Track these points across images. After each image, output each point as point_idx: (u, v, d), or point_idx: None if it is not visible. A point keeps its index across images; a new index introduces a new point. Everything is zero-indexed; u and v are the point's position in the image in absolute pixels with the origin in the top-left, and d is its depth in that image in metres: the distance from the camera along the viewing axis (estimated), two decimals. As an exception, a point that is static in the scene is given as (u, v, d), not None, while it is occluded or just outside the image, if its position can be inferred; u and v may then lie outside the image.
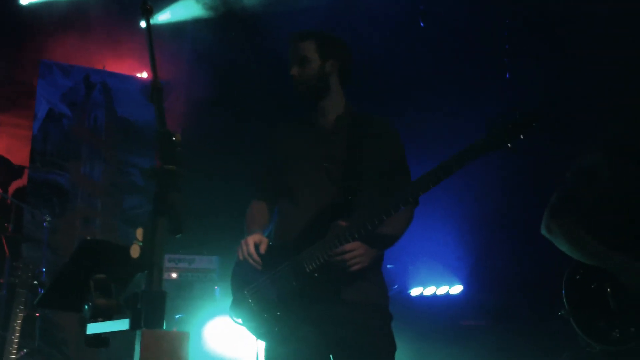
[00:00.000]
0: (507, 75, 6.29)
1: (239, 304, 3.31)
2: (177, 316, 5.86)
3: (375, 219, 3.01)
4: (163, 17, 8.53)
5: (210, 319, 5.89)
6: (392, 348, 3.24)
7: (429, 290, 6.91)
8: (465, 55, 6.63)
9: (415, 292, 6.96)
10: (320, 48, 3.38)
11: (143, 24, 7.98)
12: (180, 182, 1.59)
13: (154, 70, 1.82)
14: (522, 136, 2.83)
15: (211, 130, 7.90)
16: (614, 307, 3.31)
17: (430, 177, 2.94)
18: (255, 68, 7.35)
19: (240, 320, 3.30)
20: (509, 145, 2.84)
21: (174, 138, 1.63)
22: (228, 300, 3.40)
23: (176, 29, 8.50)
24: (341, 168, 3.28)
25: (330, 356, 3.19)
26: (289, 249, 3.22)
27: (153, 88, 1.78)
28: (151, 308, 1.58)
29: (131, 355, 1.58)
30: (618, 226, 3.40)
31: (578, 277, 3.44)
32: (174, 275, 6.33)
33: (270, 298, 3.19)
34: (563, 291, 3.45)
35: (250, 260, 3.24)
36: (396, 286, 6.91)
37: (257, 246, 3.26)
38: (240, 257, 3.28)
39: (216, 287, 6.24)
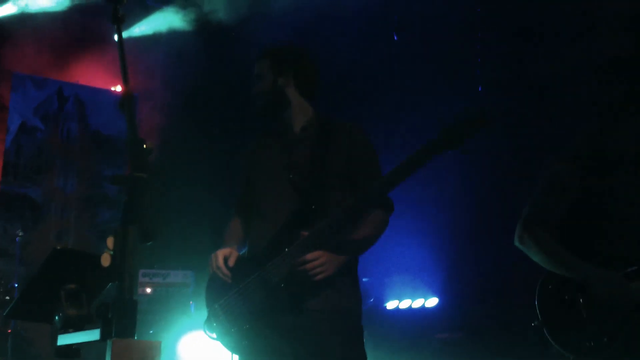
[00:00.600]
0: (480, 89, 6.34)
1: (212, 319, 3.32)
2: (150, 332, 5.80)
3: (334, 226, 3.02)
4: (138, 29, 8.50)
5: (185, 333, 5.84)
6: (360, 357, 3.22)
7: (404, 304, 6.91)
8: (438, 66, 6.67)
9: (391, 305, 6.97)
10: (274, 64, 3.44)
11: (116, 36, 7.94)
12: (150, 189, 1.57)
13: (124, 78, 1.82)
14: (471, 136, 2.86)
15: (187, 143, 7.87)
16: (587, 318, 3.31)
17: (383, 182, 2.98)
18: (232, 80, 7.35)
19: (214, 335, 3.31)
20: (460, 144, 2.87)
21: (145, 145, 1.62)
22: (203, 314, 3.40)
23: (152, 41, 8.48)
24: (306, 177, 3.29)
25: None
26: (257, 261, 3.23)
27: (124, 96, 1.77)
28: (122, 317, 1.56)
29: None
30: (589, 236, 3.42)
31: (550, 287, 3.45)
32: (148, 290, 6.28)
33: (240, 311, 3.20)
34: (536, 302, 3.45)
35: (220, 274, 3.26)
36: (372, 299, 6.91)
37: (226, 259, 3.28)
38: (210, 272, 3.30)
39: (191, 302, 6.19)
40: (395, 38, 6.84)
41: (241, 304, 3.20)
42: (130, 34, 8.48)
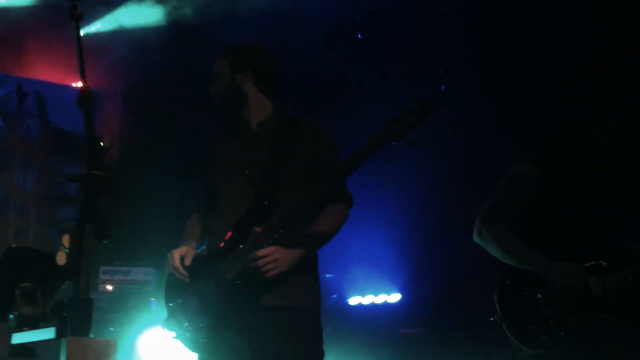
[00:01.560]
0: (442, 88, 6.39)
1: (170, 318, 3.34)
2: (111, 329, 5.76)
3: (287, 221, 3.03)
4: (102, 25, 8.39)
5: (146, 330, 5.80)
6: (316, 353, 3.23)
7: (367, 299, 6.94)
8: (401, 65, 6.70)
9: (353, 301, 6.99)
10: (232, 62, 3.46)
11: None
12: (108, 187, 1.57)
13: (82, 74, 1.81)
14: (417, 127, 2.88)
15: (150, 140, 7.81)
16: (545, 312, 3.37)
17: (332, 175, 3.02)
18: (196, 77, 7.30)
19: (173, 334, 3.31)
20: (406, 136, 2.89)
21: (102, 143, 1.61)
22: (164, 312, 3.40)
23: (115, 37, 8.39)
24: (262, 173, 3.28)
25: None
26: (213, 259, 3.24)
27: (81, 93, 1.76)
28: (78, 316, 1.56)
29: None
30: (547, 234, 3.48)
31: (509, 283, 3.51)
32: (110, 287, 6.21)
33: (197, 309, 3.20)
34: (495, 297, 3.50)
35: (176, 274, 3.27)
36: (335, 295, 6.92)
37: (183, 258, 3.28)
38: (167, 271, 3.32)
39: (152, 299, 6.15)
40: (360, 37, 6.86)
41: (198, 302, 3.20)
42: (93, 30, 8.36)
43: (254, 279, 3.10)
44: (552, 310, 3.37)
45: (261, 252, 3.06)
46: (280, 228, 3.04)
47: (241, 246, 3.12)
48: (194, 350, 3.31)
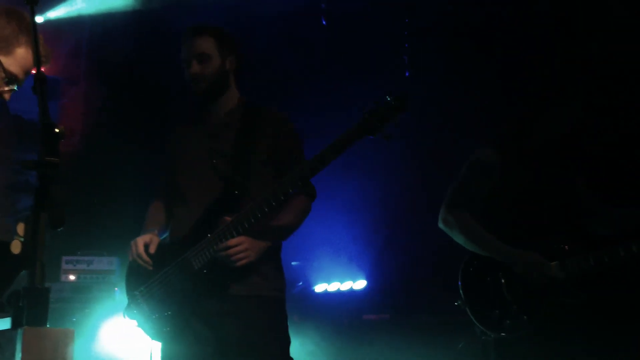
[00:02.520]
0: (407, 74, 6.40)
1: (132, 306, 3.29)
2: (73, 319, 5.71)
3: (257, 211, 3.00)
4: (64, 10, 8.23)
5: (108, 320, 5.76)
6: (282, 342, 3.22)
7: (333, 286, 6.96)
8: (364, 51, 6.70)
9: (319, 288, 7.00)
10: (219, 45, 3.35)
11: (39, 18, 7.70)
12: (61, 174, 1.54)
13: (37, 60, 1.77)
14: (391, 121, 2.88)
15: (113, 128, 7.71)
16: (508, 297, 3.41)
17: (307, 167, 2.99)
18: (160, 64, 7.21)
19: (135, 322, 3.28)
20: (382, 130, 2.89)
21: (57, 130, 1.58)
22: (126, 299, 3.37)
23: (78, 22, 8.24)
24: (228, 162, 3.25)
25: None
26: (179, 248, 3.20)
27: (36, 78, 1.72)
28: (34, 305, 1.53)
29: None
30: (509, 220, 3.51)
31: (472, 268, 3.54)
32: (72, 277, 6.14)
33: (161, 298, 3.18)
34: (459, 282, 3.53)
35: (140, 261, 3.23)
36: (300, 283, 6.93)
37: (147, 246, 3.24)
38: (130, 259, 3.27)
39: (116, 288, 6.09)
40: (324, 23, 6.83)
41: (163, 290, 3.17)
42: (54, 16, 8.20)
43: (222, 268, 3.08)
44: (515, 295, 3.40)
45: (232, 241, 3.04)
46: (251, 218, 3.01)
47: (209, 235, 3.10)
48: (157, 339, 3.28)
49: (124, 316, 3.32)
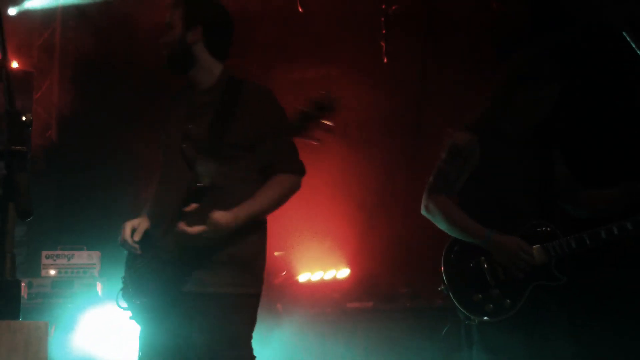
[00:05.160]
0: (385, 60, 6.37)
1: (123, 289, 3.27)
2: (53, 314, 5.69)
3: (217, 201, 2.97)
4: (38, 1, 8.12)
5: (89, 315, 5.73)
6: (227, 339, 3.12)
7: (316, 276, 6.95)
8: (342, 37, 6.67)
9: (303, 277, 6.99)
10: (186, 15, 3.23)
11: (11, 10, 7.62)
12: (27, 163, 1.49)
13: (3, 48, 1.72)
14: (320, 124, 2.72)
15: (90, 119, 7.64)
16: (490, 281, 3.41)
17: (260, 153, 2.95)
18: (134, 54, 7.14)
19: (124, 305, 3.26)
20: (309, 129, 2.75)
21: (23, 118, 1.53)
22: (109, 295, 3.37)
23: (50, 14, 8.15)
24: (198, 148, 3.14)
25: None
26: (153, 237, 3.18)
27: (1, 67, 1.67)
28: (4, 298, 1.49)
29: None
30: (489, 204, 3.50)
31: (454, 253, 3.53)
32: (52, 272, 6.10)
33: (140, 284, 3.16)
34: (442, 267, 3.53)
35: (126, 247, 3.21)
36: (284, 273, 6.91)
37: (134, 231, 3.21)
38: (119, 242, 3.24)
39: (98, 282, 6.06)
40: (300, 10, 6.78)
41: (142, 277, 3.16)
42: (28, 7, 8.09)
43: (187, 257, 3.05)
44: (497, 279, 3.41)
45: (192, 229, 2.97)
46: (213, 207, 2.97)
47: (175, 224, 3.02)
48: (138, 322, 3.26)
49: (117, 298, 3.29)
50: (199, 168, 3.05)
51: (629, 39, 3.36)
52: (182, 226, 2.97)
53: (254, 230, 3.20)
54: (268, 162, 3.12)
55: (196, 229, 2.97)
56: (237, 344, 3.14)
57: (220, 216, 2.98)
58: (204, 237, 2.99)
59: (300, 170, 3.24)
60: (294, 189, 3.23)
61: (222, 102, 3.19)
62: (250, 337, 3.21)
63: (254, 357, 3.20)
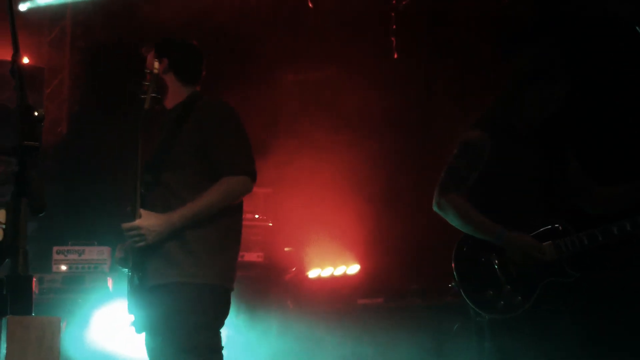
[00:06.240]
0: (395, 56, 6.36)
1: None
2: (65, 310, 5.72)
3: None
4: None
5: (100, 310, 5.76)
6: (185, 327, 3.27)
7: (326, 272, 6.95)
8: (351, 34, 6.66)
9: (313, 273, 6.99)
10: (155, 54, 3.57)
11: (22, 6, 7.64)
12: (39, 158, 1.50)
13: (15, 44, 1.73)
14: None
15: (100, 116, 7.66)
16: (501, 278, 3.40)
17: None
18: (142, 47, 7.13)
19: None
20: None
21: (35, 113, 1.53)
22: (120, 291, 3.45)
23: (60, 11, 8.17)
24: (153, 157, 3.42)
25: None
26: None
27: (13, 62, 1.68)
28: (17, 293, 1.49)
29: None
30: (501, 201, 3.49)
31: (465, 250, 3.53)
32: (64, 267, 6.14)
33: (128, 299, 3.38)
34: (453, 264, 3.52)
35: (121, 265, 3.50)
36: (294, 269, 6.92)
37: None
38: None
39: (109, 278, 6.09)
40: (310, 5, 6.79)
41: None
42: (39, 4, 8.11)
43: (136, 255, 3.28)
44: (509, 276, 3.40)
45: (125, 225, 3.25)
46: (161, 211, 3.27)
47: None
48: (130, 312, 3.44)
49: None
50: (146, 176, 3.36)
51: (641, 34, 3.34)
52: (123, 224, 3.26)
53: (210, 228, 3.38)
54: (216, 167, 3.36)
55: (127, 224, 3.24)
56: (188, 337, 3.28)
57: (142, 220, 3.24)
58: (138, 237, 3.24)
59: (245, 171, 3.39)
60: (239, 189, 3.40)
61: (177, 119, 3.47)
62: (210, 326, 3.35)
63: (220, 347, 3.37)
